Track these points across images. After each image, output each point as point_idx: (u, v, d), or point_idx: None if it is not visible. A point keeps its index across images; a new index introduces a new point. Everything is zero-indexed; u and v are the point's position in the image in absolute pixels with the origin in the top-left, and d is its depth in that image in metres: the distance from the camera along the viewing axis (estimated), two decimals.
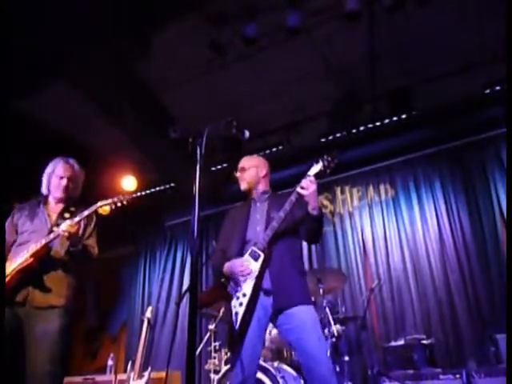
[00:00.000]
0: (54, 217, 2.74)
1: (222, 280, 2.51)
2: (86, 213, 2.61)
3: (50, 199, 2.83)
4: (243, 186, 2.77)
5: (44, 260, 2.54)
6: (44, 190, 2.83)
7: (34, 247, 2.51)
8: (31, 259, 2.49)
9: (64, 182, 2.76)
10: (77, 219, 2.56)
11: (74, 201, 2.86)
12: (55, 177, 2.79)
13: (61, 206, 2.81)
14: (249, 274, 2.39)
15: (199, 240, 1.81)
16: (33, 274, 2.50)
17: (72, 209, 2.79)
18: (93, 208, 2.63)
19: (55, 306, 2.49)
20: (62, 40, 3.98)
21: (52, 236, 2.52)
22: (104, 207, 2.66)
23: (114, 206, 2.66)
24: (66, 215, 2.73)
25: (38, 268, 2.52)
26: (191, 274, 1.80)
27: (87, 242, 2.75)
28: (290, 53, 4.54)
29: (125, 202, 2.67)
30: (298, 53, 4.57)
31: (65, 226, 2.50)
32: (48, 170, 2.83)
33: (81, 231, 2.69)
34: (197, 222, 1.80)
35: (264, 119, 5.43)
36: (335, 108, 5.17)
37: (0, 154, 3.92)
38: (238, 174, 2.79)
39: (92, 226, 2.81)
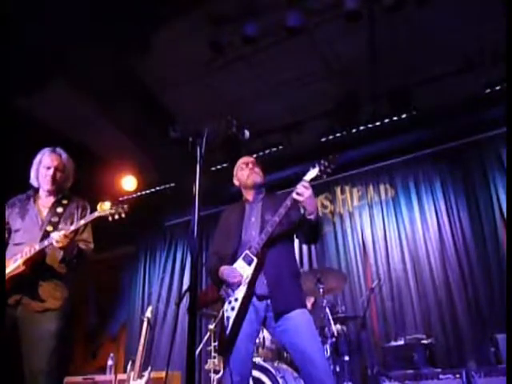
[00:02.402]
0: (44, 212, 2.66)
1: (217, 284, 2.51)
2: (82, 222, 2.51)
3: (41, 192, 2.74)
4: (260, 179, 2.73)
5: (39, 264, 2.47)
6: (33, 182, 2.75)
7: (27, 253, 2.44)
8: (23, 267, 2.42)
9: (51, 171, 2.67)
10: (72, 227, 2.47)
11: (65, 192, 2.77)
12: (42, 167, 2.70)
13: (51, 199, 2.72)
14: (240, 282, 2.38)
15: (199, 240, 1.81)
16: (27, 278, 2.45)
17: (64, 201, 2.71)
18: (89, 218, 2.52)
19: (51, 309, 2.45)
20: (62, 40, 3.98)
21: (46, 243, 2.44)
22: (103, 210, 2.53)
23: (111, 218, 2.53)
24: (59, 210, 2.66)
25: (33, 272, 2.45)
26: (191, 274, 1.80)
27: (81, 236, 2.66)
28: (290, 53, 4.54)
29: (123, 215, 2.53)
30: (298, 53, 4.56)
31: (58, 236, 2.40)
32: (35, 161, 2.75)
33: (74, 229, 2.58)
34: (197, 222, 1.80)
35: (264, 119, 5.43)
36: (335, 108, 5.17)
37: (0, 153, 3.92)
38: (250, 166, 2.76)
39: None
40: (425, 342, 4.16)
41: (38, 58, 4.12)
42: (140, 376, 3.86)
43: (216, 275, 2.51)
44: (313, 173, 2.43)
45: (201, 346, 4.26)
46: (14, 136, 4.42)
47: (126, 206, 2.54)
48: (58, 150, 2.77)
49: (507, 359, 2.31)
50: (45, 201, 2.72)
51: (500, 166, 5.10)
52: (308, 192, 2.33)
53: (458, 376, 3.62)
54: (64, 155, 2.77)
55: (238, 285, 2.38)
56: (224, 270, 2.46)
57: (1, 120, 4.13)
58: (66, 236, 2.41)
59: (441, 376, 3.70)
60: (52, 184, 2.69)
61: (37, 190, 2.76)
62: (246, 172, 2.75)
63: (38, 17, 3.79)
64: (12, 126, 4.31)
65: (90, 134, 5.47)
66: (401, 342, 4.26)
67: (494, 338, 3.95)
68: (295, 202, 2.38)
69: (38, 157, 2.75)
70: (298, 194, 2.35)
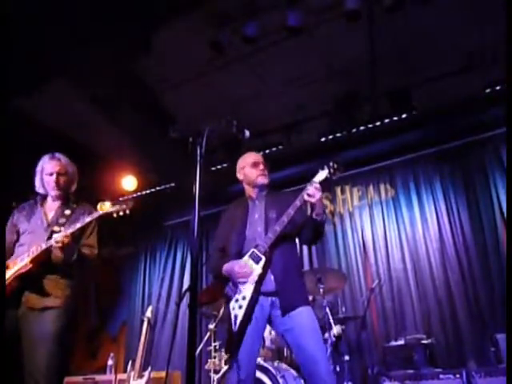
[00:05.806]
0: (50, 215, 2.73)
1: (222, 281, 2.51)
2: (87, 219, 2.55)
3: (48, 198, 2.81)
4: (267, 181, 2.76)
5: (45, 263, 2.52)
6: (40, 190, 2.81)
7: (33, 251, 2.49)
8: (31, 265, 2.47)
9: (54, 177, 2.74)
10: (71, 230, 2.50)
11: (71, 197, 2.84)
12: (45, 175, 2.77)
13: (58, 203, 2.79)
14: (249, 276, 2.38)
15: (199, 240, 1.81)
16: (31, 277, 2.48)
17: (72, 205, 2.78)
18: (94, 215, 2.57)
19: (51, 307, 2.47)
20: (62, 40, 3.98)
21: (52, 241, 2.48)
22: (103, 210, 2.58)
23: (115, 215, 2.59)
24: (67, 212, 2.73)
25: (39, 270, 2.50)
26: (191, 273, 1.80)
27: (87, 241, 2.73)
28: (291, 52, 4.54)
29: (127, 211, 2.60)
30: (298, 53, 4.56)
31: (58, 236, 2.46)
32: (38, 168, 2.81)
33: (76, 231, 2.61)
34: (197, 222, 1.81)
35: (264, 119, 5.43)
36: (335, 108, 5.17)
37: (0, 153, 3.91)
38: (261, 167, 2.77)
39: (93, 224, 2.77)
40: (425, 341, 4.16)
41: (38, 58, 4.12)
42: (140, 376, 3.87)
43: (220, 272, 2.51)
44: (322, 175, 2.46)
45: (201, 345, 4.26)
46: (13, 136, 4.42)
47: (130, 202, 2.61)
48: (57, 155, 2.82)
49: (507, 359, 2.31)
50: (52, 204, 2.80)
51: (500, 166, 5.10)
52: (319, 194, 2.38)
53: (458, 376, 3.63)
54: (64, 159, 2.82)
55: (245, 282, 2.38)
56: (229, 264, 2.47)
57: (0, 120, 4.13)
58: (66, 236, 2.45)
59: (441, 376, 3.70)
60: (57, 189, 2.76)
61: (44, 197, 2.83)
62: (256, 172, 2.76)
63: (38, 16, 3.79)
64: (12, 127, 4.31)
65: (91, 135, 5.47)
66: (401, 342, 4.26)
67: (493, 338, 3.95)
68: (305, 202, 2.41)
69: (40, 165, 2.81)
70: (308, 195, 2.38)
